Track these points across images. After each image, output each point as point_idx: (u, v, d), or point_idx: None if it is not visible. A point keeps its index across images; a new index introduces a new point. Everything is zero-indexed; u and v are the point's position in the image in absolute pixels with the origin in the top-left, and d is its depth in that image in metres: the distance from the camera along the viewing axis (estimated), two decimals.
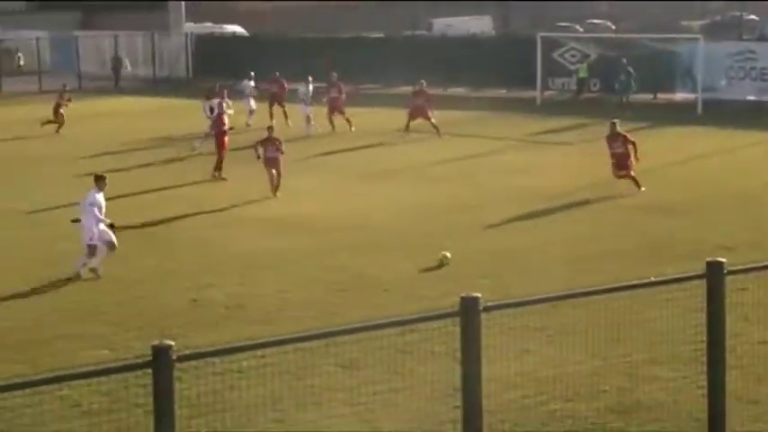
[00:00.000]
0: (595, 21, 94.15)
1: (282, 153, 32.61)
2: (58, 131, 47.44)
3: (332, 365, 14.52)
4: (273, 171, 32.08)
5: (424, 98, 44.56)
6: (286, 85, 49.12)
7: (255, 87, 50.06)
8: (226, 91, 42.94)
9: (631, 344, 15.95)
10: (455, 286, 20.79)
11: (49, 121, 47.83)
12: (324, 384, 14.40)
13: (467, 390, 10.08)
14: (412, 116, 44.12)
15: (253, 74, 51.22)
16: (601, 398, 14.95)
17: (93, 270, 23.42)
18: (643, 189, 31.03)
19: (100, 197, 23.80)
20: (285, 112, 47.53)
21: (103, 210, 23.64)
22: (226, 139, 36.69)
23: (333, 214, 29.45)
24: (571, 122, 46.16)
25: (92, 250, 23.35)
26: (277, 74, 50.14)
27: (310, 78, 46.62)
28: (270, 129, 33.70)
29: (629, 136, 32.28)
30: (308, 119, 45.18)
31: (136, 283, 22.86)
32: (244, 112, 47.30)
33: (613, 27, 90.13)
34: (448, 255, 23.38)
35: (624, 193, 31.17)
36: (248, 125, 47.67)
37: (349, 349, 12.91)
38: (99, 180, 23.98)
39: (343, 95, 46.78)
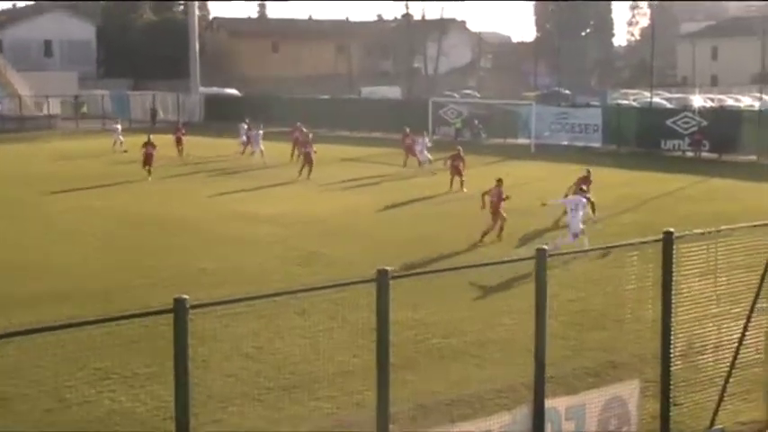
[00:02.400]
0: (467, 90, 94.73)
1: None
2: (182, 155, 45.87)
3: (291, 313, 14.45)
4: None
5: (460, 161, 34.80)
6: (305, 131, 43.76)
7: (247, 129, 49.38)
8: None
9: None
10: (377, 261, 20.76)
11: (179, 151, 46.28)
12: (286, 324, 14.31)
13: (379, 330, 10.01)
14: (453, 173, 34.75)
15: (248, 120, 50.58)
16: None
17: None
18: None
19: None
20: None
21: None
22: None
23: (295, 212, 29.32)
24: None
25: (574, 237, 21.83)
26: (298, 123, 46.56)
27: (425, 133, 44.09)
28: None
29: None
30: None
31: (159, 255, 22.62)
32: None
33: (478, 95, 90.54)
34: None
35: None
36: (240, 154, 47.48)
37: (302, 302, 12.86)
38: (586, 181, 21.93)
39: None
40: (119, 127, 52.52)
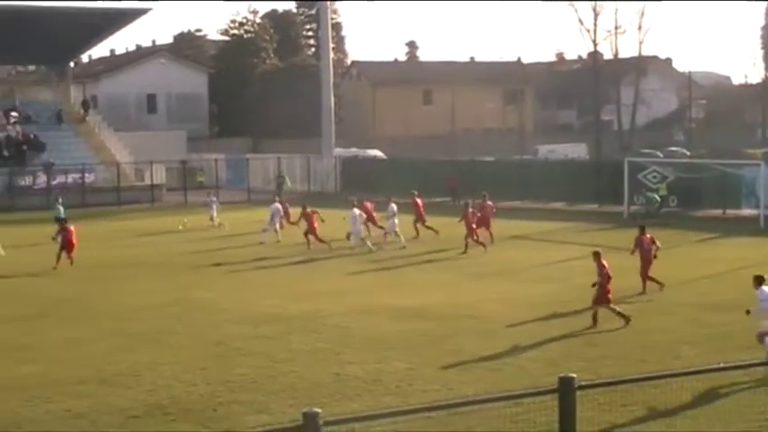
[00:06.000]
0: (673, 148, 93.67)
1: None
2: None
3: None
4: None
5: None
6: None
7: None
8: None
9: (705, 420, 15.60)
10: (555, 368, 20.57)
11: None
12: None
13: None
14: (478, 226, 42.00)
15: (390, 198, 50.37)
16: None
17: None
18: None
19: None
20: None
21: None
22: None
23: (450, 304, 29.35)
24: (653, 233, 45.70)
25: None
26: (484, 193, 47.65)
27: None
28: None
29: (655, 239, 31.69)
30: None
31: (287, 360, 22.96)
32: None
33: (688, 153, 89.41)
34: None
35: (690, 292, 30.69)
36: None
37: (466, 418, 12.80)
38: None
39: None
40: (215, 199, 55.08)
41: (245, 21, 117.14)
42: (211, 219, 53.26)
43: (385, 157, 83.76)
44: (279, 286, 33.81)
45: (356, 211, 42.93)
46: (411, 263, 38.76)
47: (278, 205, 47.14)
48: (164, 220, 56.41)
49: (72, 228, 39.75)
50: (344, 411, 17.01)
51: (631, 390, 14.49)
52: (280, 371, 21.84)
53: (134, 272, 37.81)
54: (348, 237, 42.64)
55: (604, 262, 26.47)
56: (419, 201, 46.24)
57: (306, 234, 43.32)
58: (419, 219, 45.64)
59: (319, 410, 8.86)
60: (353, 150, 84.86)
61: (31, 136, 73.95)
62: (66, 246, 39.03)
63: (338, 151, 79.48)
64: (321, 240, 42.98)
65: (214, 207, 53.88)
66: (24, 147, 72.86)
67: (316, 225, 43.40)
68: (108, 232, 52.55)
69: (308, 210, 44.42)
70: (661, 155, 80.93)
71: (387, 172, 71.23)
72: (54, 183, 69.55)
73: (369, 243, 42.13)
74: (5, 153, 72.11)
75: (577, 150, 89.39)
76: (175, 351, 24.13)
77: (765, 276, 21.75)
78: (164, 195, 72.24)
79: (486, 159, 70.61)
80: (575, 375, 9.84)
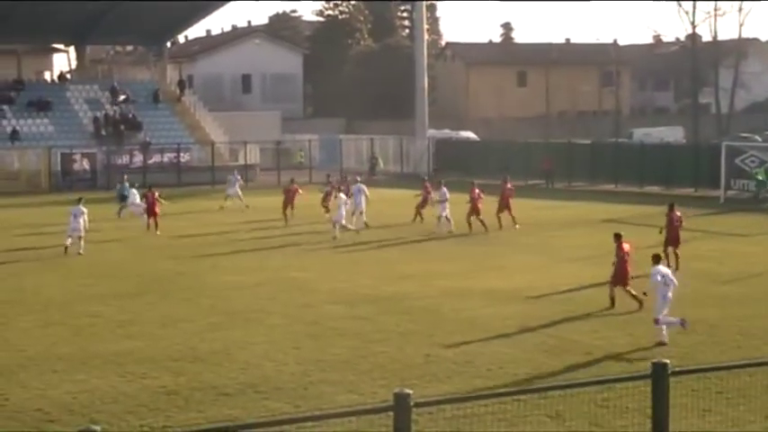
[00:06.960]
0: None
1: None
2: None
3: (542, 415, 14.32)
4: None
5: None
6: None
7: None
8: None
9: None
10: (648, 353, 20.39)
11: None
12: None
13: None
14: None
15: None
16: None
17: None
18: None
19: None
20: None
21: None
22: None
23: (542, 288, 29.21)
24: (750, 218, 45.05)
25: None
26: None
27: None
28: None
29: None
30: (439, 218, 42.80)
31: (379, 341, 23.04)
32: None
33: None
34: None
35: None
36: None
37: (556, 402, 12.76)
38: None
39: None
40: (238, 177, 55.86)
41: (340, 2, 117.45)
42: (226, 199, 53.53)
43: (478, 138, 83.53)
44: (371, 267, 33.95)
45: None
46: (499, 246, 38.61)
47: (362, 185, 46.30)
48: (257, 200, 56.80)
49: (156, 194, 43.79)
50: (435, 393, 17.05)
51: (727, 377, 14.32)
52: (371, 351, 21.93)
53: (228, 250, 38.25)
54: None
55: (625, 245, 26.41)
56: (428, 186, 46.50)
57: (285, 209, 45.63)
58: (424, 203, 45.69)
59: (410, 391, 8.88)
60: (447, 132, 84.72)
61: (129, 115, 75.07)
62: (149, 211, 43.37)
63: (431, 133, 79.37)
64: (284, 216, 45.48)
65: (236, 186, 54.21)
66: (122, 126, 73.99)
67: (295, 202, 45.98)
68: (202, 211, 53.19)
69: (294, 186, 46.62)
70: (760, 139, 79.53)
71: (480, 154, 71.11)
72: (150, 162, 70.48)
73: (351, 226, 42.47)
74: (104, 132, 73.27)
75: (674, 134, 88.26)
76: (268, 330, 24.36)
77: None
78: (258, 175, 72.72)
79: (582, 142, 70.06)
80: (668, 361, 9.73)
